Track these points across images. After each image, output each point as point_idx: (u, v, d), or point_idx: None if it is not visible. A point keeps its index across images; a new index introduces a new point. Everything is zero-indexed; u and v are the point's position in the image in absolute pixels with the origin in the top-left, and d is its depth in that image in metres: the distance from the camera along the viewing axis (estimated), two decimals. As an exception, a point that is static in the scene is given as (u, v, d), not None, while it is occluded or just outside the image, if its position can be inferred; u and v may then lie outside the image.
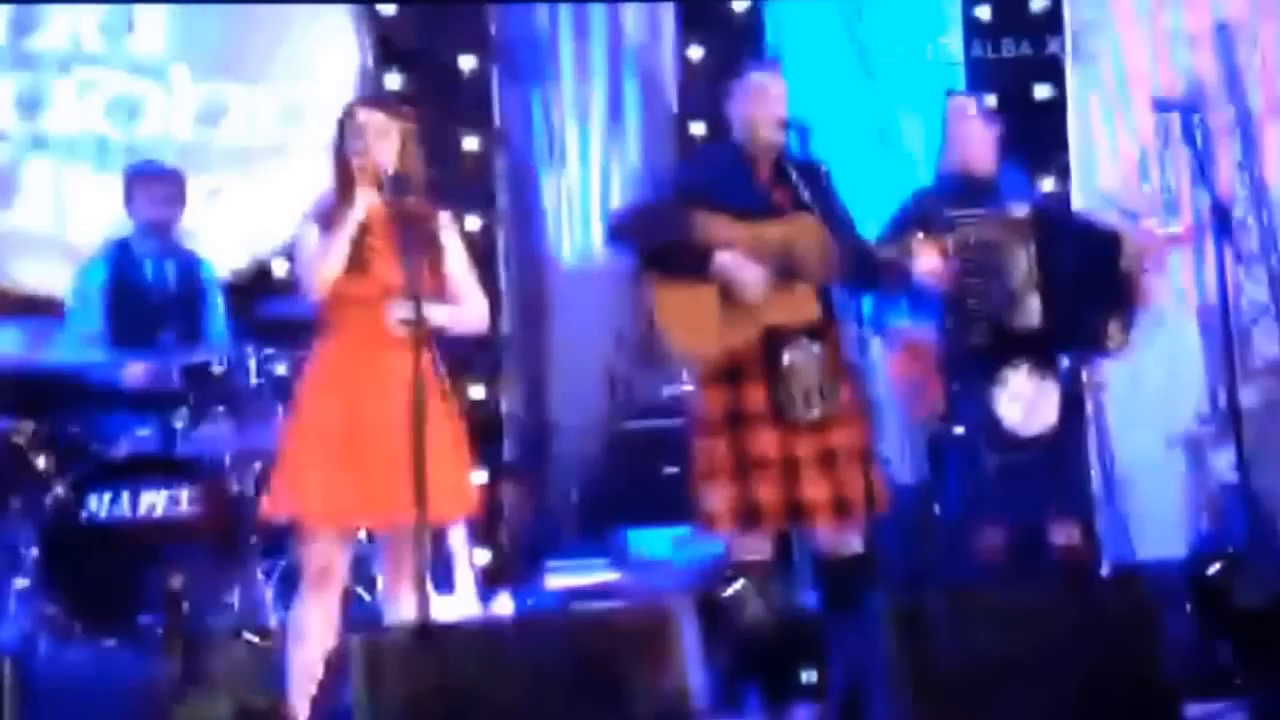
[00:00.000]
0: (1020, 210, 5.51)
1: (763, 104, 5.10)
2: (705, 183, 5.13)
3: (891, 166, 7.88)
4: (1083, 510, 5.73)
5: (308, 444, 4.46)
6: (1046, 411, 5.48)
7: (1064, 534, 5.61)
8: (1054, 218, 5.63)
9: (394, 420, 4.29)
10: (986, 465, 5.43)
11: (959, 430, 5.55)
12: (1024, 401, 5.45)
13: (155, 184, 6.22)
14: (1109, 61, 8.04)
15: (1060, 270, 5.44)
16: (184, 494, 5.71)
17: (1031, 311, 5.44)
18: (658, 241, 5.00)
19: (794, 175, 5.07)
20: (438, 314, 4.48)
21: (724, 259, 4.94)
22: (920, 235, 5.06)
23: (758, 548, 5.03)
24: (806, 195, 5.03)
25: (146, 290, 6.19)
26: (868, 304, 5.42)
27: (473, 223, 7.41)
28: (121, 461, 5.76)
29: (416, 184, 4.58)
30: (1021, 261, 5.43)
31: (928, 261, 5.05)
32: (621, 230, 5.23)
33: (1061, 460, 5.55)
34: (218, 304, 6.37)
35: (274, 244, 7.03)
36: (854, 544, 5.04)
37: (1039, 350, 5.52)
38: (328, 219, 4.51)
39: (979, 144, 5.71)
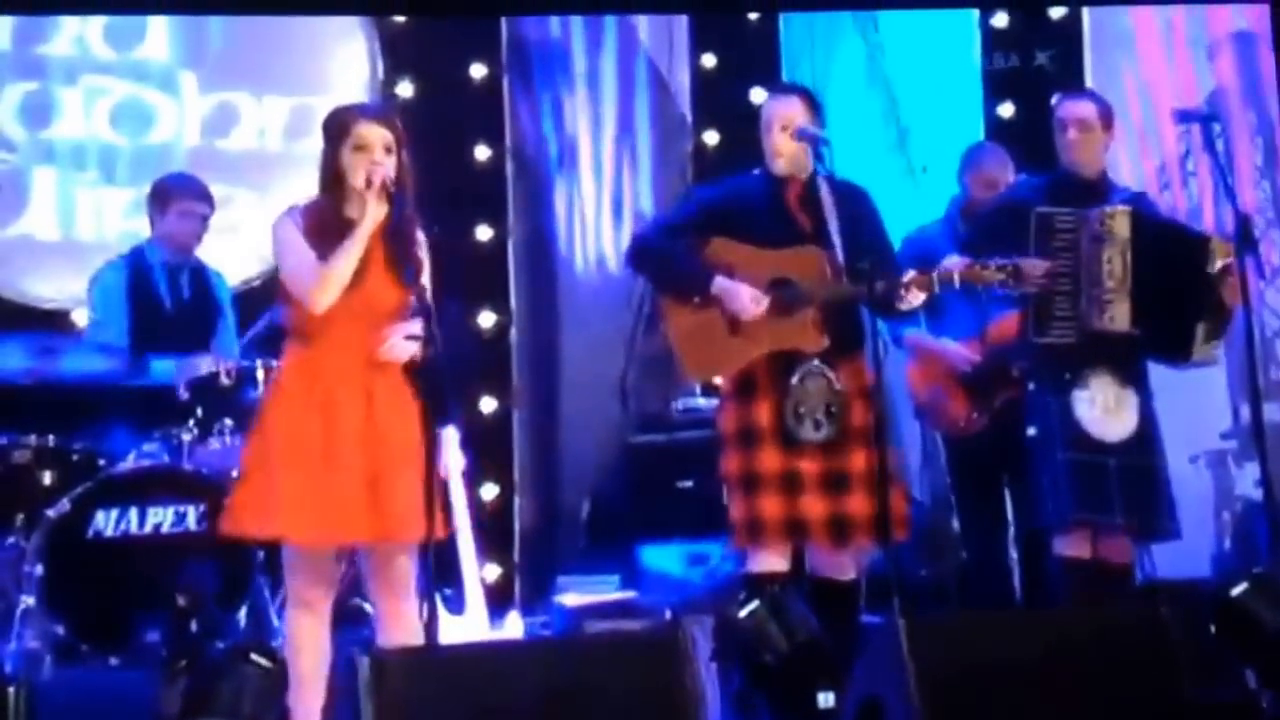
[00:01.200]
0: (1118, 212, 5.44)
1: (770, 132, 5.17)
2: (727, 207, 5.20)
3: (908, 178, 7.92)
4: (1153, 531, 5.59)
5: (285, 460, 4.39)
6: (1126, 418, 5.42)
7: (1118, 551, 5.50)
8: (1149, 220, 5.54)
9: (378, 437, 4.39)
10: (1061, 464, 5.37)
11: (1032, 431, 5.48)
12: (1104, 406, 5.40)
13: (189, 202, 6.18)
14: (1129, 71, 8.05)
15: (1152, 275, 5.38)
16: (191, 510, 5.65)
17: (1122, 316, 5.39)
18: (670, 267, 5.15)
19: (824, 199, 5.13)
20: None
21: (720, 285, 5.04)
22: (911, 273, 5.00)
23: (774, 561, 5.07)
24: (834, 220, 5.09)
25: (161, 301, 6.18)
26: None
27: (484, 233, 7.47)
28: (128, 477, 5.70)
29: (408, 195, 4.54)
30: (1116, 265, 5.38)
31: (915, 299, 5.02)
32: (637, 255, 5.34)
33: (1138, 473, 5.43)
34: (229, 317, 6.35)
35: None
36: (847, 571, 5.13)
37: (1122, 355, 5.46)
38: (320, 232, 4.46)
39: (1091, 146, 5.59)
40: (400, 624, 4.49)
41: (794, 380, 5.01)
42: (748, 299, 5.02)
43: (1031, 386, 5.53)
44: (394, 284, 4.45)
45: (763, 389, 5.07)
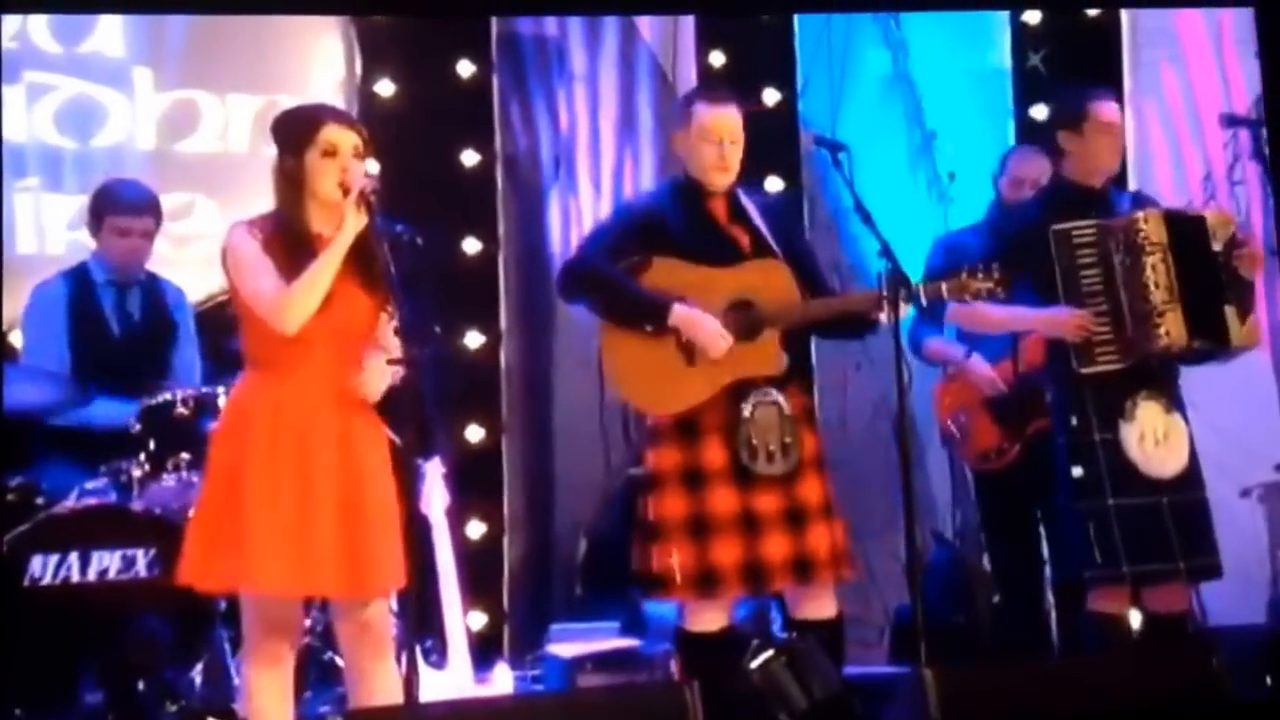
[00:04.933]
0: (1150, 216, 5.30)
1: (708, 143, 5.08)
2: (650, 221, 5.11)
3: (930, 184, 7.89)
4: (1211, 569, 5.39)
5: (254, 503, 4.26)
6: (1179, 450, 5.25)
7: (1172, 599, 5.35)
8: (1178, 219, 5.41)
9: (353, 475, 4.33)
10: (1111, 511, 5.21)
11: (1077, 472, 5.26)
12: (1155, 439, 5.23)
13: (123, 218, 5.99)
14: (1172, 72, 8.05)
15: (1189, 275, 5.28)
16: (141, 555, 5.47)
17: (1178, 331, 5.23)
18: (619, 293, 5.04)
19: (750, 211, 5.11)
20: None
21: (680, 314, 4.94)
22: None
23: (714, 617, 5.02)
24: (768, 234, 5.07)
25: (106, 322, 6.03)
26: (905, 324, 5.24)
27: (471, 246, 7.38)
28: (70, 518, 5.50)
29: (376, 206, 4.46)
30: (1160, 274, 5.23)
31: (891, 317, 4.89)
32: (569, 282, 5.19)
33: (1190, 510, 5.28)
34: (189, 338, 6.20)
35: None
36: (827, 608, 5.05)
37: (1163, 377, 5.33)
38: (281, 247, 4.35)
39: (1113, 155, 5.48)
40: (376, 682, 4.39)
41: (745, 412, 4.92)
42: (714, 335, 4.92)
43: (1074, 421, 5.30)
44: (364, 303, 4.39)
45: (709, 423, 4.97)
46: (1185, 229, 5.33)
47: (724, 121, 5.08)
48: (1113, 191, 5.51)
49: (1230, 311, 5.28)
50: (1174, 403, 5.30)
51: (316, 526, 4.25)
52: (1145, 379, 5.26)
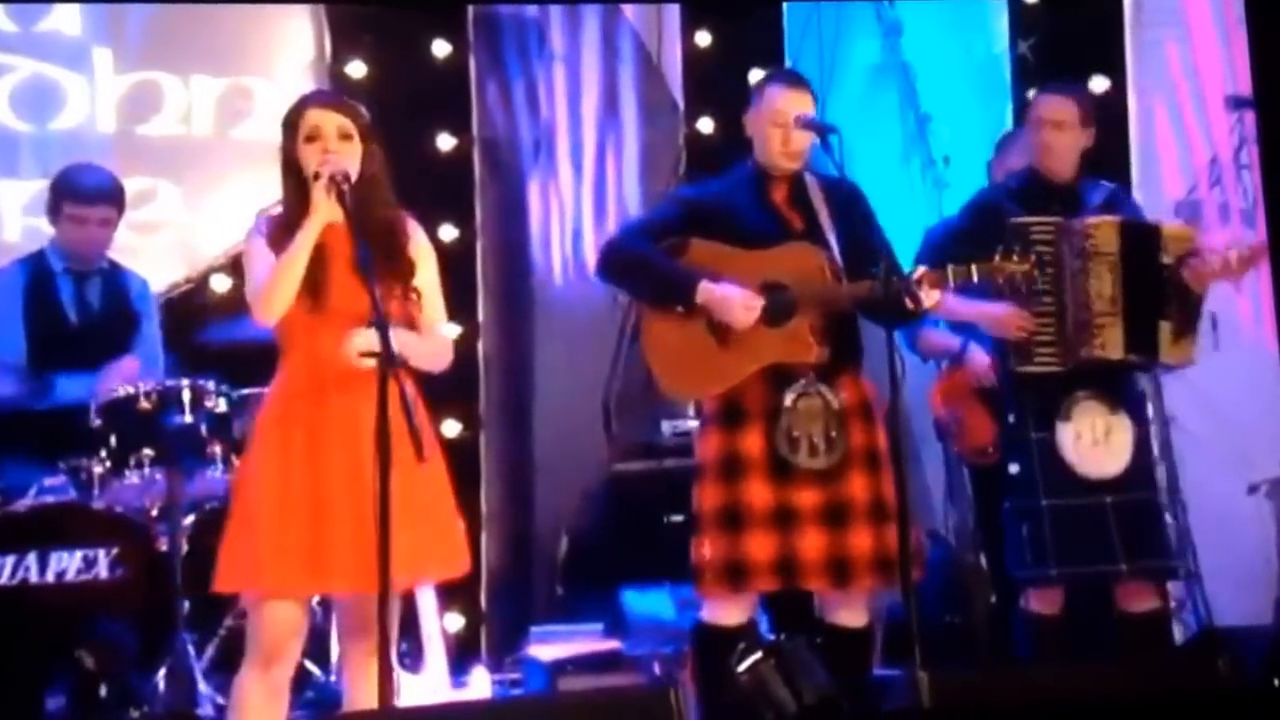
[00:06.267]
0: (1103, 223, 5.35)
1: (778, 124, 5.07)
2: (711, 207, 5.11)
3: (924, 169, 7.86)
4: (1160, 571, 5.50)
5: (261, 501, 4.29)
6: (1118, 450, 5.31)
7: (1137, 598, 5.40)
8: (1137, 228, 5.47)
9: (363, 470, 4.19)
10: (1044, 512, 5.28)
11: (1014, 469, 5.38)
12: (1093, 439, 5.29)
13: (82, 206, 5.95)
14: (1176, 52, 7.95)
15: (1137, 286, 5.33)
16: (102, 555, 5.47)
17: (1114, 342, 5.30)
18: (648, 272, 5.07)
19: (814, 196, 5.08)
20: (405, 343, 4.34)
21: (705, 290, 4.94)
22: (921, 269, 4.92)
23: (734, 612, 5.00)
24: (827, 219, 5.04)
25: (64, 313, 6.00)
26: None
27: (448, 233, 7.31)
28: (27, 516, 5.48)
29: (381, 190, 4.47)
30: (1105, 284, 5.28)
31: (928, 299, 4.88)
32: (610, 261, 5.22)
33: (1136, 510, 5.32)
34: (152, 329, 6.17)
35: (214, 257, 6.89)
36: (857, 617, 5.04)
37: (1110, 377, 5.37)
38: (280, 237, 4.36)
39: (1065, 150, 5.49)
40: (370, 688, 4.30)
41: (787, 401, 4.90)
42: (739, 306, 4.90)
43: (1011, 418, 5.43)
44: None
45: (752, 412, 4.97)
46: (1137, 239, 5.38)
47: (797, 106, 5.06)
48: (1084, 185, 5.52)
49: (1165, 327, 5.35)
50: (1121, 402, 5.36)
51: (330, 521, 4.23)
52: (1089, 378, 5.34)
